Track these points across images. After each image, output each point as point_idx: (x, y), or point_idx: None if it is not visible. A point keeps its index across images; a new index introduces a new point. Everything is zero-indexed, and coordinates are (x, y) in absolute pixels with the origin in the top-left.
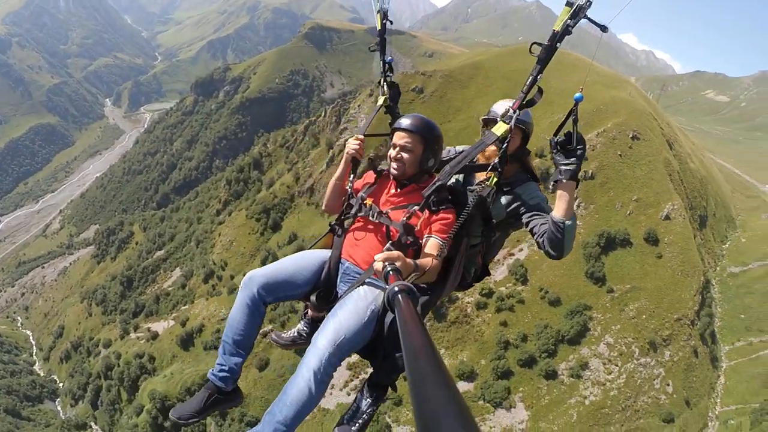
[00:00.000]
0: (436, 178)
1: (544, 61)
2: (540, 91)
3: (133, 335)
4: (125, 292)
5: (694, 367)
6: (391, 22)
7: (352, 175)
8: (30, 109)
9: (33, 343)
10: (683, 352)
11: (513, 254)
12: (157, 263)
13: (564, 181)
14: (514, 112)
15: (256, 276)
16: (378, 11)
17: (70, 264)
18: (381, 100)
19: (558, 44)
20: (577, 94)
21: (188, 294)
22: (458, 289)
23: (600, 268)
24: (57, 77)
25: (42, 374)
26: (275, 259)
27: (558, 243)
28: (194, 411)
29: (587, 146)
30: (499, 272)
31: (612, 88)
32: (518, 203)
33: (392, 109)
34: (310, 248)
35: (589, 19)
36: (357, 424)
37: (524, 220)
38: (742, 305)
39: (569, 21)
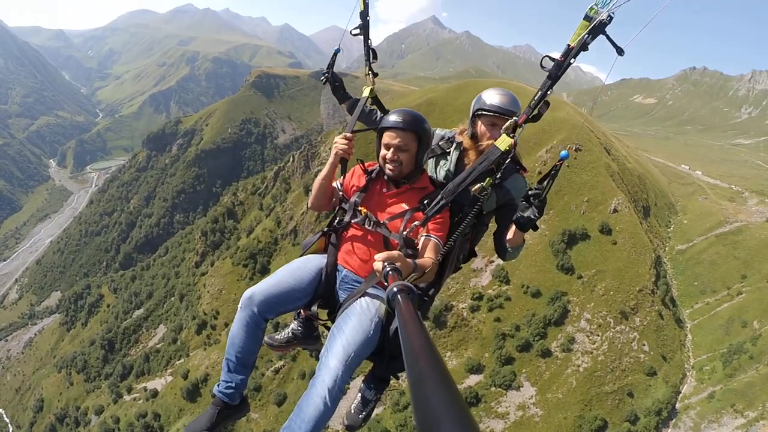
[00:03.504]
0: (439, 196)
1: (555, 77)
2: (546, 104)
3: (127, 397)
4: (107, 355)
5: (662, 328)
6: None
7: (341, 177)
8: None
9: (8, 421)
10: (650, 316)
11: (492, 261)
12: (138, 323)
13: (516, 226)
14: (520, 126)
15: (256, 295)
16: None
17: (36, 334)
18: (367, 91)
19: (572, 60)
20: (563, 152)
21: (181, 347)
22: None
23: (567, 260)
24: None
25: None
26: None
27: (501, 254)
28: (206, 427)
29: (546, 170)
30: (484, 278)
31: (552, 109)
32: (507, 198)
33: (378, 101)
34: (303, 254)
35: (608, 38)
36: (364, 413)
37: (500, 213)
38: (693, 274)
39: (587, 37)
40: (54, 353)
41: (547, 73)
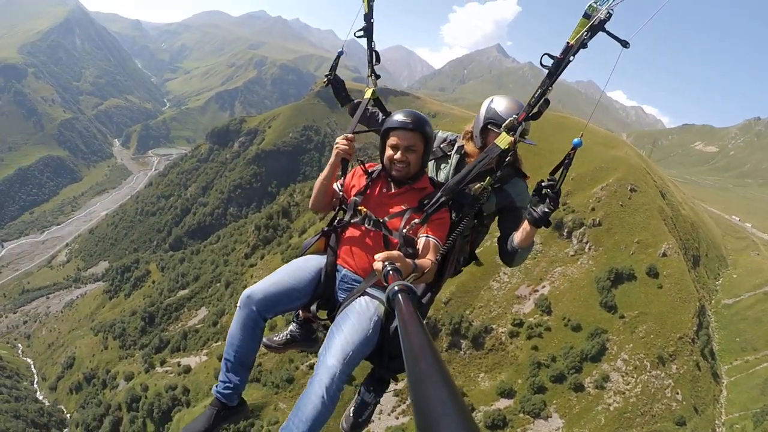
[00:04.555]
0: (439, 194)
1: (554, 74)
2: (546, 102)
3: (160, 369)
4: (146, 327)
5: (698, 379)
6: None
7: (342, 178)
8: (41, 140)
9: (34, 371)
10: (687, 365)
11: (537, 290)
12: (181, 302)
13: (529, 222)
14: (520, 123)
15: (255, 295)
16: None
17: (78, 297)
18: (369, 92)
19: (571, 58)
20: (576, 140)
21: (220, 331)
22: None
23: (612, 298)
24: (69, 112)
25: (47, 403)
26: None
27: (508, 259)
28: (203, 429)
29: (593, 200)
30: (526, 305)
31: (610, 147)
32: (508, 201)
33: (380, 103)
34: (303, 254)
35: (609, 33)
36: (364, 416)
37: (502, 217)
38: (736, 330)
39: (585, 35)
40: (93, 317)
41: (547, 71)
